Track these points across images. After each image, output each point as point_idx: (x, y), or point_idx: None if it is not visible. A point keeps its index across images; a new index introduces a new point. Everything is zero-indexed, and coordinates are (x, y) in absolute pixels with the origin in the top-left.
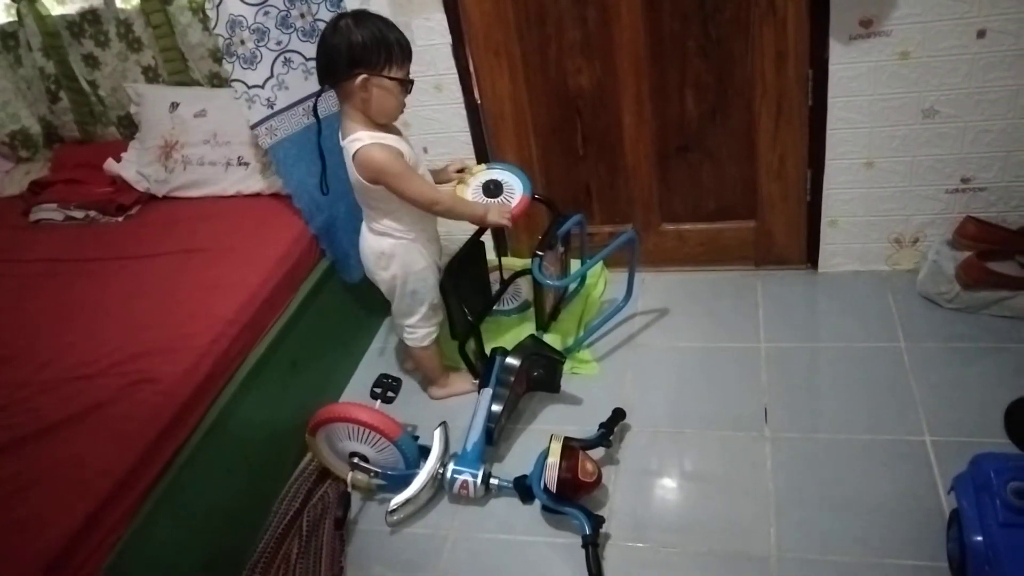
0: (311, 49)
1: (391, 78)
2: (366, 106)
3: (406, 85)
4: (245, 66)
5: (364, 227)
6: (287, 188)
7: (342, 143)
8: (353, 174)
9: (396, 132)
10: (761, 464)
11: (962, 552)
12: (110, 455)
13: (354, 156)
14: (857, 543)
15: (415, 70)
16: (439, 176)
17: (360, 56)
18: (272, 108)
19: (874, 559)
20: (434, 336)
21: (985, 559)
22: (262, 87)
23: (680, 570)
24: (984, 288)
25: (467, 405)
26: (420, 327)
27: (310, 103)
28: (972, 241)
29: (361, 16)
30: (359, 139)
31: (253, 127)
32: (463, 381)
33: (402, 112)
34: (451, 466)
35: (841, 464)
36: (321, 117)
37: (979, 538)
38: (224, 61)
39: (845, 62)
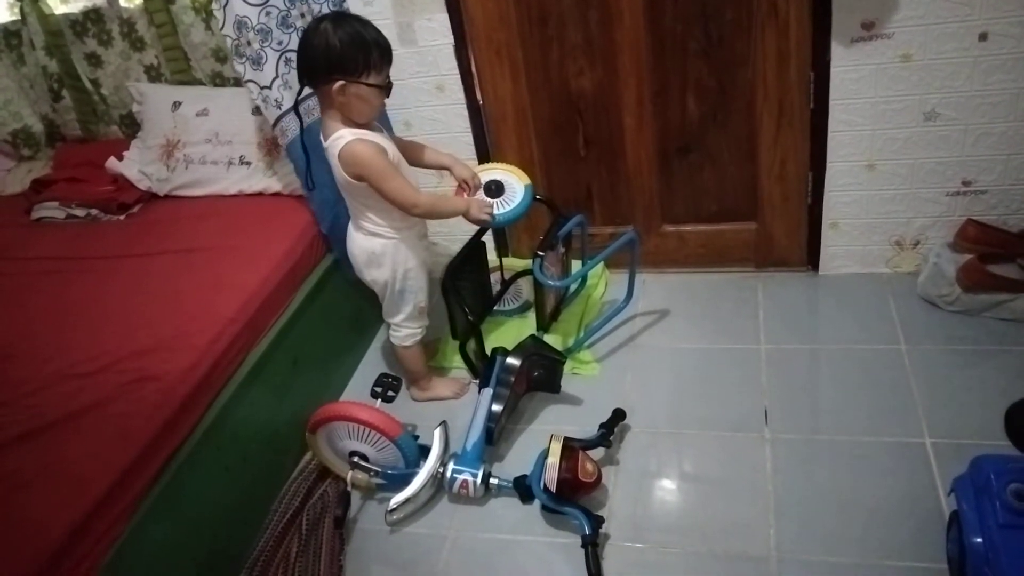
0: None
1: (369, 84)
2: (344, 109)
3: (385, 90)
4: (254, 67)
5: (351, 227)
6: (304, 188)
7: (324, 143)
8: (339, 172)
9: (377, 130)
10: (761, 465)
11: (962, 554)
12: (109, 453)
13: (339, 154)
14: (857, 544)
15: (417, 71)
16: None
17: (338, 62)
18: (280, 108)
19: (874, 560)
20: (417, 338)
21: (985, 560)
22: (270, 88)
23: (679, 571)
24: (985, 291)
25: (467, 405)
26: (403, 327)
27: (308, 103)
28: (973, 244)
29: (341, 19)
30: (341, 136)
31: (273, 128)
32: (445, 387)
33: (380, 113)
34: (451, 465)
35: (841, 465)
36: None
37: (979, 540)
38: (235, 63)
39: (847, 64)
